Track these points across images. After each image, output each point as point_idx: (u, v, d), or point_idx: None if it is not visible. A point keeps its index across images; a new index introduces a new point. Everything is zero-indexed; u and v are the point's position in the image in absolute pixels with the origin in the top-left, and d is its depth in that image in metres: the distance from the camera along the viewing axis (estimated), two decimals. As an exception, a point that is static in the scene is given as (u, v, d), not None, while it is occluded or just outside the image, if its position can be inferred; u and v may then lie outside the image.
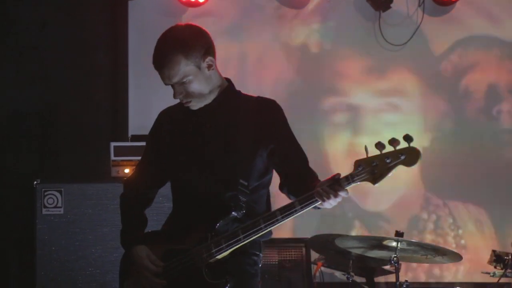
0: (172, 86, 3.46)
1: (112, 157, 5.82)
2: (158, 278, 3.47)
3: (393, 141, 3.10)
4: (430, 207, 7.29)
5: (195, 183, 3.52)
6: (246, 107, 3.56)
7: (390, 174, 3.13)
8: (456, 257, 5.22)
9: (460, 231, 7.24)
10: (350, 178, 3.21)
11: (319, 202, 3.28)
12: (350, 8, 7.39)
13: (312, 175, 3.50)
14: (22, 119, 6.79)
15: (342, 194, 3.23)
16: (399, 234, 5.17)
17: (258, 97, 3.62)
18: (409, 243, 5.15)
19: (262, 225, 3.35)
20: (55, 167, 6.71)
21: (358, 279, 5.97)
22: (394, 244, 5.12)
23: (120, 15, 7.10)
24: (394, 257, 5.12)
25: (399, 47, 7.33)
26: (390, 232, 5.93)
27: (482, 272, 5.99)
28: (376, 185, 3.15)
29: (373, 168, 3.14)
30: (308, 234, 6.16)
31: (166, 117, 3.70)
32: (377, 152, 3.15)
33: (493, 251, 5.80)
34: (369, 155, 3.16)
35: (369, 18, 7.36)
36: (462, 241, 7.21)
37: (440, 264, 6.72)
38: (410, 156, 3.09)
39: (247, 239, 3.38)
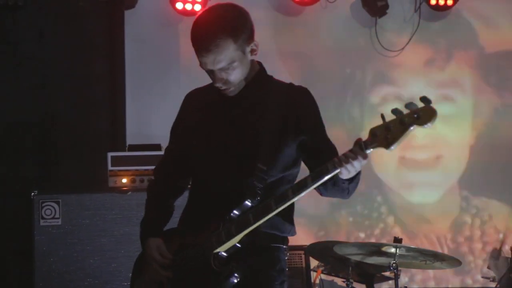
0: (212, 71, 3.25)
1: (110, 167, 5.79)
2: (165, 270, 3.33)
3: (410, 105, 2.97)
4: (471, 209, 7.31)
5: (214, 170, 3.34)
6: (277, 92, 3.36)
7: (404, 137, 2.97)
8: (455, 262, 5.22)
9: (501, 236, 7.26)
10: (363, 145, 3.07)
11: (332, 174, 3.09)
12: (347, 15, 7.39)
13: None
14: (20, 129, 6.78)
15: (360, 157, 3.04)
16: (397, 240, 5.18)
17: (290, 83, 3.44)
18: (408, 249, 5.14)
19: (274, 206, 3.14)
20: (53, 178, 6.70)
21: (358, 285, 5.97)
22: (393, 250, 5.12)
23: (116, 25, 7.09)
24: (393, 263, 5.12)
25: (396, 52, 7.33)
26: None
27: (482, 277, 5.99)
28: (392, 148, 3.00)
29: (387, 133, 3.01)
30: (308, 241, 6.17)
31: (193, 100, 3.52)
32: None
33: (494, 248, 5.80)
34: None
35: (366, 24, 7.37)
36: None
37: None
38: (424, 115, 2.94)
39: (258, 223, 3.16)
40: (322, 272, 5.95)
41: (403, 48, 7.33)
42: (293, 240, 6.48)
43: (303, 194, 3.14)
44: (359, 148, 3.08)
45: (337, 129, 7.00)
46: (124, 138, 6.87)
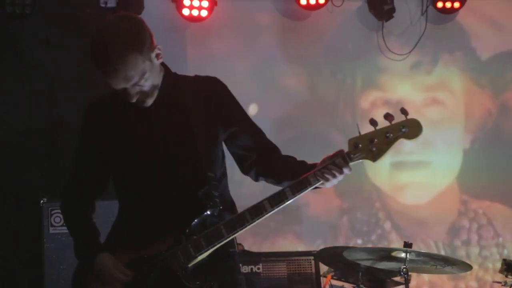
0: (125, 89, 3.09)
1: (118, 174, 5.79)
2: None
3: (388, 116, 2.98)
4: (469, 212, 7.28)
5: (155, 183, 3.17)
6: (190, 89, 3.24)
7: (390, 150, 3.01)
8: (465, 267, 5.19)
9: (501, 239, 7.24)
10: (347, 157, 3.04)
11: (314, 185, 3.08)
12: (353, 19, 7.39)
13: (279, 152, 3.29)
14: (28, 137, 6.78)
15: (346, 170, 3.05)
16: (407, 245, 5.15)
17: (196, 76, 3.32)
18: (418, 254, 5.12)
19: (250, 220, 3.08)
20: (62, 185, 6.67)
21: (368, 291, 5.95)
22: (403, 255, 5.09)
23: (123, 31, 7.08)
24: (404, 268, 5.09)
25: (403, 56, 7.32)
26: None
27: (494, 281, 5.97)
28: (378, 161, 3.02)
29: (371, 146, 3.01)
30: (316, 247, 6.16)
31: (102, 110, 3.31)
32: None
33: (504, 260, 5.78)
34: (362, 132, 3.04)
35: (372, 28, 7.36)
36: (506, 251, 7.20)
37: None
38: (412, 128, 2.98)
39: (231, 236, 3.11)
40: (332, 278, 5.93)
41: (410, 52, 7.31)
42: (302, 246, 6.51)
43: (281, 207, 3.10)
44: (343, 161, 3.06)
45: (339, 132, 7.03)
46: (132, 144, 6.85)
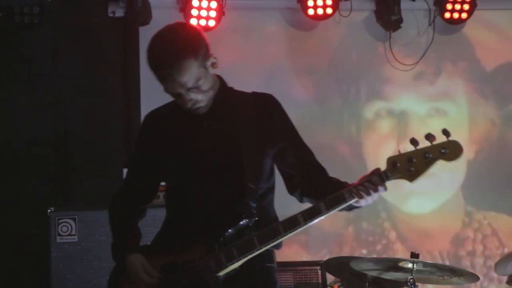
0: (179, 95, 3.20)
1: (125, 184, 5.79)
2: None
3: (429, 136, 2.97)
4: (473, 223, 7.26)
5: (198, 190, 3.26)
6: (244, 104, 3.32)
7: (428, 171, 3.00)
8: (473, 278, 5.18)
9: (506, 250, 7.22)
10: (384, 176, 3.05)
11: (349, 202, 3.09)
12: (361, 29, 7.39)
13: (326, 173, 3.31)
14: (35, 146, 6.79)
15: (381, 189, 3.06)
16: (414, 255, 5.14)
17: (253, 92, 3.40)
18: (425, 264, 5.11)
19: (282, 232, 3.10)
20: (68, 194, 6.71)
21: (375, 301, 5.93)
22: (410, 265, 5.08)
23: (131, 41, 7.10)
24: (411, 278, 5.08)
25: (410, 66, 7.33)
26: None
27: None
28: (415, 182, 3.01)
29: (410, 165, 3.00)
30: (323, 257, 6.15)
31: (157, 121, 3.44)
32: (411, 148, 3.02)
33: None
34: (402, 151, 3.03)
35: (380, 38, 7.37)
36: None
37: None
38: (452, 150, 2.97)
39: (264, 248, 3.13)
40: (338, 288, 5.92)
41: (417, 62, 7.32)
42: (309, 256, 6.51)
43: (315, 221, 3.11)
44: (380, 179, 3.06)
45: (363, 139, 7.04)
46: (139, 154, 6.85)
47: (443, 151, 2.98)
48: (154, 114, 3.49)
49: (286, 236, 3.12)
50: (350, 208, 3.20)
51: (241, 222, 3.16)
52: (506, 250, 7.17)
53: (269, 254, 3.29)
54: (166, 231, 3.40)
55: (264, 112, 3.31)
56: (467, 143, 7.21)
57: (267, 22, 7.30)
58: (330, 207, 3.09)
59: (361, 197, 3.07)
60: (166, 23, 7.05)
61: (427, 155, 2.98)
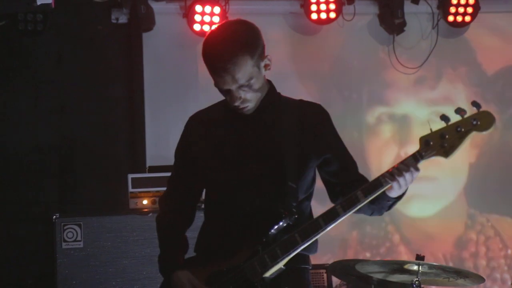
0: (229, 91, 3.15)
1: (130, 189, 5.80)
2: None
3: (460, 110, 2.94)
4: (476, 225, 7.26)
5: (239, 193, 3.21)
6: (292, 110, 3.28)
7: (462, 144, 2.96)
8: (478, 279, 5.16)
9: (510, 251, 7.21)
10: (418, 156, 3.01)
11: (385, 187, 3.04)
12: (364, 33, 7.40)
13: (367, 179, 3.26)
14: (40, 153, 6.81)
15: (413, 170, 3.00)
16: (420, 257, 5.13)
17: (301, 100, 3.37)
18: (431, 267, 5.10)
19: (323, 225, 3.07)
20: (74, 200, 6.73)
21: (381, 304, 5.93)
22: (415, 268, 5.07)
23: (135, 47, 7.13)
24: (416, 281, 5.07)
25: (414, 70, 7.33)
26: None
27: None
28: (450, 157, 2.96)
29: (443, 141, 2.97)
30: (329, 260, 6.15)
31: (200, 123, 3.37)
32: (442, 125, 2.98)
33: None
34: (434, 129, 2.99)
35: (383, 41, 7.38)
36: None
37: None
38: (484, 120, 2.93)
39: (306, 243, 3.08)
40: (344, 291, 5.92)
41: (421, 65, 7.32)
42: (314, 259, 6.50)
43: (354, 210, 3.09)
44: (413, 159, 3.03)
45: (365, 144, 7.04)
46: (144, 159, 6.88)
47: (474, 122, 2.94)
48: (197, 116, 3.43)
49: (327, 229, 3.10)
50: (390, 204, 3.17)
51: (282, 221, 3.12)
52: (509, 252, 7.17)
53: (304, 257, 3.27)
54: (207, 238, 3.35)
55: (310, 120, 3.29)
56: (468, 147, 7.21)
57: (271, 27, 7.29)
58: (367, 193, 3.06)
59: (394, 179, 3.03)
60: (169, 29, 7.17)
61: (459, 128, 2.95)
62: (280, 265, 3.11)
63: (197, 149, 3.34)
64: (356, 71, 7.38)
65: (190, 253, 3.40)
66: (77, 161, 6.91)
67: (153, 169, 6.07)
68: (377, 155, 7.15)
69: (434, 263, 5.24)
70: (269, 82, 3.34)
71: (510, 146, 7.42)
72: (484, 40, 7.49)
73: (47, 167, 6.82)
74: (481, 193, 7.30)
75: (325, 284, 6.07)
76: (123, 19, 7.09)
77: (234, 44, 3.11)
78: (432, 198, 7.24)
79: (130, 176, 5.89)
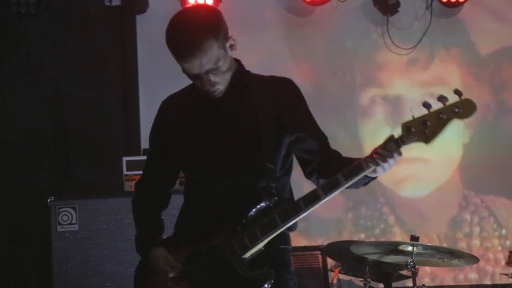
0: (198, 76, 3.15)
1: (125, 172, 5.80)
2: (177, 283, 3.18)
3: (442, 98, 2.98)
4: (470, 206, 7.28)
5: (216, 175, 3.22)
6: (263, 87, 3.28)
7: (443, 131, 3.00)
8: (473, 259, 5.19)
9: (504, 231, 7.24)
10: (400, 141, 3.04)
11: (367, 171, 3.06)
12: (358, 14, 7.39)
13: (341, 155, 3.28)
14: (34, 136, 6.81)
15: (396, 155, 3.03)
16: (414, 238, 5.16)
17: (271, 76, 3.35)
18: (425, 247, 5.12)
19: (303, 207, 3.08)
20: (69, 184, 6.73)
21: (376, 285, 5.95)
22: (410, 248, 5.10)
23: (128, 30, 7.11)
24: (411, 261, 5.10)
25: (408, 50, 7.32)
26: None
27: (501, 274, 5.97)
28: (431, 143, 3.01)
29: (425, 128, 3.01)
30: (324, 242, 6.17)
31: (172, 107, 3.39)
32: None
33: (510, 251, 5.78)
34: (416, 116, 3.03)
35: (377, 22, 7.37)
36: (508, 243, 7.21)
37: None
38: (465, 108, 2.97)
39: (286, 225, 3.10)
40: (339, 272, 5.94)
41: (415, 46, 7.32)
42: (309, 241, 6.53)
43: (335, 193, 3.10)
44: (395, 145, 3.05)
45: (347, 128, 7.03)
46: (138, 142, 6.87)
47: (456, 110, 2.98)
48: (170, 100, 3.45)
49: (307, 211, 3.11)
50: (366, 181, 3.19)
51: (261, 203, 3.13)
52: (504, 232, 7.20)
53: (284, 236, 3.28)
54: (186, 219, 3.36)
55: (282, 96, 3.28)
56: (462, 127, 7.23)
57: (264, 8, 7.30)
58: (348, 177, 3.07)
59: (377, 164, 3.06)
60: (162, 11, 7.15)
61: (441, 115, 2.99)
62: (260, 246, 3.13)
63: (171, 132, 3.35)
64: (349, 52, 7.37)
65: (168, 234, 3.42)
66: (71, 145, 6.90)
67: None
68: (370, 136, 7.14)
69: (429, 244, 5.28)
70: (236, 61, 3.34)
71: (503, 127, 7.43)
72: (478, 21, 7.48)
73: (42, 150, 6.81)
74: (476, 173, 7.31)
75: (320, 265, 6.09)
76: (116, 1, 7.06)
77: (198, 30, 3.10)
78: (427, 179, 7.25)
79: (125, 158, 5.89)
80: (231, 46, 3.21)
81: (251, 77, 3.34)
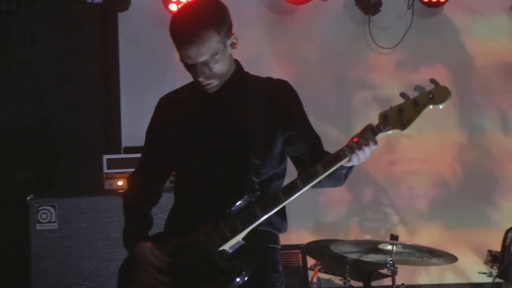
0: (193, 66, 3.18)
1: (105, 170, 5.80)
2: (162, 274, 3.22)
3: (418, 88, 3.02)
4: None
5: (204, 171, 3.26)
6: (258, 88, 3.31)
7: (419, 118, 3.02)
8: (451, 258, 5.22)
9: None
10: (376, 129, 3.08)
11: (344, 160, 3.08)
12: (340, 13, 7.40)
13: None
14: (14, 133, 6.78)
15: (371, 143, 3.06)
16: (394, 237, 5.18)
17: (268, 77, 3.40)
18: (404, 246, 5.15)
19: (282, 197, 3.10)
20: (48, 181, 6.70)
21: (356, 283, 5.97)
22: (389, 247, 5.12)
23: (110, 27, 7.09)
24: (390, 260, 5.12)
25: (390, 50, 7.34)
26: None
27: (479, 272, 6.00)
28: (406, 130, 3.04)
29: (401, 116, 3.04)
30: (303, 240, 6.17)
31: (168, 104, 3.43)
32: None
33: (489, 251, 5.81)
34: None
35: (359, 21, 7.38)
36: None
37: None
38: (440, 94, 3.00)
39: (265, 215, 3.11)
40: (319, 271, 5.95)
41: (397, 45, 7.34)
42: (289, 239, 6.53)
43: (313, 183, 3.12)
44: (372, 133, 3.09)
45: (333, 127, 7.03)
46: (119, 140, 6.86)
47: (431, 96, 3.01)
48: (166, 97, 3.48)
49: (287, 201, 3.13)
50: (344, 172, 3.21)
51: (244, 198, 3.16)
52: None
53: (273, 236, 3.31)
54: (174, 216, 3.41)
55: (277, 96, 3.31)
56: (453, 127, 7.29)
57: (246, 6, 7.29)
58: (326, 166, 3.09)
59: (353, 152, 3.08)
60: (145, 9, 7.13)
61: (416, 102, 3.03)
62: (239, 237, 3.15)
63: (167, 129, 3.38)
64: (331, 52, 7.37)
65: (156, 231, 3.45)
66: (51, 142, 6.87)
67: (129, 150, 6.07)
68: (346, 136, 7.14)
69: (408, 243, 5.29)
70: (236, 61, 3.37)
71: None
72: (459, 20, 7.51)
73: (22, 148, 6.78)
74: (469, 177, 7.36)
75: (300, 264, 6.09)
76: (98, -1, 7.05)
77: (201, 18, 3.15)
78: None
79: (105, 157, 5.89)
80: (232, 44, 3.25)
81: (248, 77, 3.38)
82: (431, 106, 3.01)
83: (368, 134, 3.09)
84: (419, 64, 7.40)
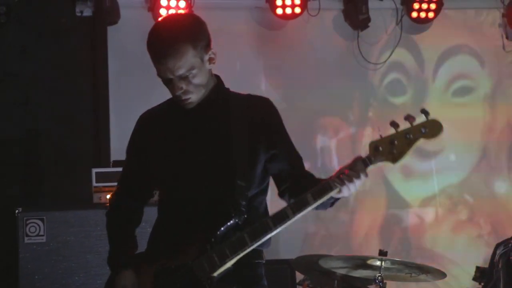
0: (171, 80, 3.16)
1: (94, 184, 5.78)
2: None
3: (409, 117, 3.01)
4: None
5: (188, 190, 3.24)
6: (240, 105, 3.30)
7: (410, 151, 3.02)
8: (439, 274, 5.22)
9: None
10: (367, 161, 3.06)
11: (335, 191, 3.09)
12: (329, 28, 7.42)
13: (314, 176, 3.30)
14: (3, 146, 6.75)
15: (362, 175, 3.05)
16: (382, 253, 5.18)
17: (249, 95, 3.39)
18: (393, 262, 5.14)
19: (272, 226, 3.09)
20: (37, 195, 6.67)
21: (344, 299, 5.96)
22: (378, 263, 5.11)
23: (99, 41, 7.08)
24: (379, 276, 5.11)
25: (379, 65, 7.37)
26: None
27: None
28: (397, 163, 3.04)
29: (392, 147, 3.03)
30: (292, 255, 6.15)
31: (149, 121, 3.41)
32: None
33: (477, 267, 5.81)
34: (384, 135, 3.05)
35: (348, 37, 7.41)
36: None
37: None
38: (432, 129, 3.00)
39: (255, 244, 3.12)
40: (308, 286, 5.94)
41: (385, 61, 7.37)
42: (278, 254, 6.53)
43: (303, 213, 3.11)
44: (363, 165, 3.08)
45: (320, 142, 7.04)
46: (108, 154, 6.84)
47: (423, 130, 3.02)
48: (147, 114, 3.46)
49: (276, 230, 3.12)
50: (332, 202, 3.21)
51: (231, 221, 3.14)
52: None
53: (258, 252, 3.29)
54: (158, 235, 3.37)
55: (259, 115, 3.30)
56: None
57: (236, 21, 7.30)
58: (317, 197, 3.09)
59: (343, 185, 3.07)
60: (134, 23, 7.13)
61: (408, 136, 3.02)
62: (229, 265, 3.13)
63: (147, 147, 3.36)
64: (320, 67, 7.39)
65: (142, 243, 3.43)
66: (40, 155, 6.85)
67: (118, 163, 6.03)
68: (341, 153, 7.16)
69: (397, 259, 5.29)
70: (216, 77, 3.36)
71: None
72: (447, 37, 7.55)
73: (10, 160, 6.75)
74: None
75: (289, 279, 6.09)
76: (87, 12, 7.03)
77: (177, 33, 3.15)
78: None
79: (94, 170, 5.87)
80: (210, 60, 3.24)
81: (228, 93, 3.36)
82: (422, 140, 3.03)
83: (359, 166, 3.09)
84: (409, 80, 7.44)
